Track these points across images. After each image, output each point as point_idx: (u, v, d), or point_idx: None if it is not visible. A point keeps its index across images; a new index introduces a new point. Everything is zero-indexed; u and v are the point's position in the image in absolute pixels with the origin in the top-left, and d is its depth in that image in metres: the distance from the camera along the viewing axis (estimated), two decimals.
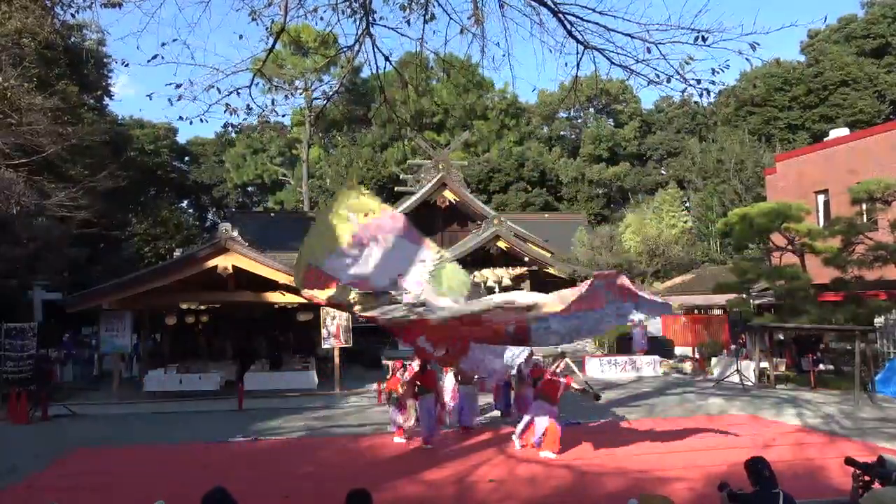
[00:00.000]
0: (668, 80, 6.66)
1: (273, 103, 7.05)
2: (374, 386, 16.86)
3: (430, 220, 30.04)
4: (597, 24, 6.63)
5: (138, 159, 37.57)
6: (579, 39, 6.76)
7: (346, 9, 6.72)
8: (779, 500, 4.66)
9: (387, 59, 7.14)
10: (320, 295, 9.10)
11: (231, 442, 11.65)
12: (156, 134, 43.53)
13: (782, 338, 19.81)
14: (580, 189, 48.92)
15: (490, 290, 20.60)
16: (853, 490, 5.04)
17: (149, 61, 6.08)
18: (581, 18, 6.64)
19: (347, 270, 8.66)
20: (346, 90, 47.07)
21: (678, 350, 24.64)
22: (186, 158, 53.32)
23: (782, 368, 19.03)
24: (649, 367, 21.29)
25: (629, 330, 22.74)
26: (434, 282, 8.94)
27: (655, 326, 26.51)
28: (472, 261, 28.12)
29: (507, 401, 13.26)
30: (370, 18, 6.71)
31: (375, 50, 6.97)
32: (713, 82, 6.46)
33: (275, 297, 17.71)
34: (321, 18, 6.90)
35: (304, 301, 17.70)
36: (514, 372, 12.00)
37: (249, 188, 55.12)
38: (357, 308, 9.22)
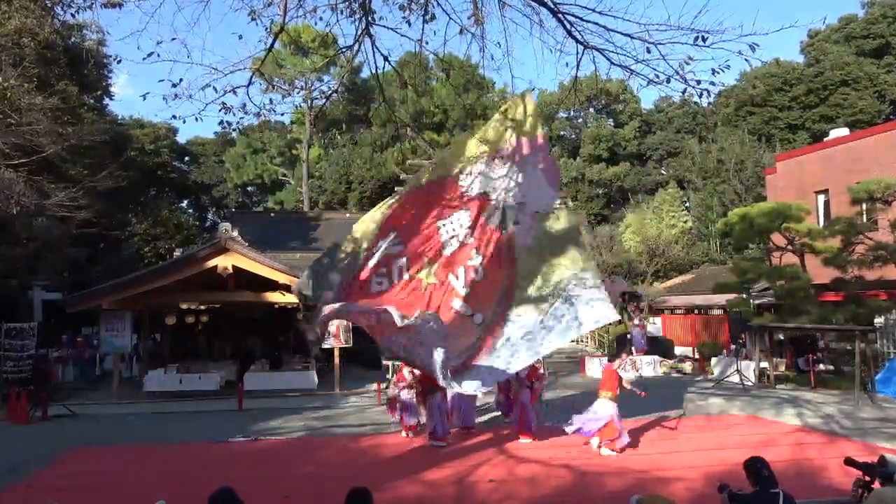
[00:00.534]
0: (668, 81, 6.67)
1: (271, 102, 7.07)
2: (374, 386, 16.87)
3: None
4: (596, 24, 6.64)
5: (138, 159, 37.52)
6: (579, 39, 6.77)
7: (345, 9, 6.73)
8: (778, 499, 4.66)
9: (386, 59, 7.15)
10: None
11: (231, 442, 11.65)
12: (156, 134, 43.47)
13: (782, 338, 19.82)
14: (580, 189, 48.89)
15: None
16: (853, 492, 5.03)
17: (144, 59, 6.08)
18: (581, 19, 6.65)
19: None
20: (346, 90, 47.02)
21: (678, 350, 24.65)
22: (186, 158, 53.27)
23: (782, 368, 19.03)
24: (649, 367, 21.27)
25: (629, 330, 22.76)
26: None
27: (655, 326, 26.53)
28: None
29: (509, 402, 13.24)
30: (370, 18, 6.71)
31: (375, 50, 6.98)
32: (713, 83, 6.48)
33: (275, 297, 17.70)
34: (320, 18, 6.92)
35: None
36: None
37: (249, 188, 55.06)
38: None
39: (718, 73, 6.44)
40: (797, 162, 24.79)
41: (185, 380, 17.51)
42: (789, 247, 19.41)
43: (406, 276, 9.91)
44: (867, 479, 4.98)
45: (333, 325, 17.90)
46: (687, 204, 42.85)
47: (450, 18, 7.12)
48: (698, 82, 6.51)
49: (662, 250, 32.42)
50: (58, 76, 22.34)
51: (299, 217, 34.93)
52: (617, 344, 12.29)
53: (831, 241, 18.42)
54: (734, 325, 20.75)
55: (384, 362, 19.07)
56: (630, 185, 50.22)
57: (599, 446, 10.00)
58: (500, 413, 13.44)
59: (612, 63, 6.82)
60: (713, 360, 21.08)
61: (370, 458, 10.25)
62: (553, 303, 9.79)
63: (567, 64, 7.11)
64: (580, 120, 57.72)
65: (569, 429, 10.26)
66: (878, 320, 18.16)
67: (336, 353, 18.12)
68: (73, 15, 8.46)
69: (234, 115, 6.55)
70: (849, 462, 5.27)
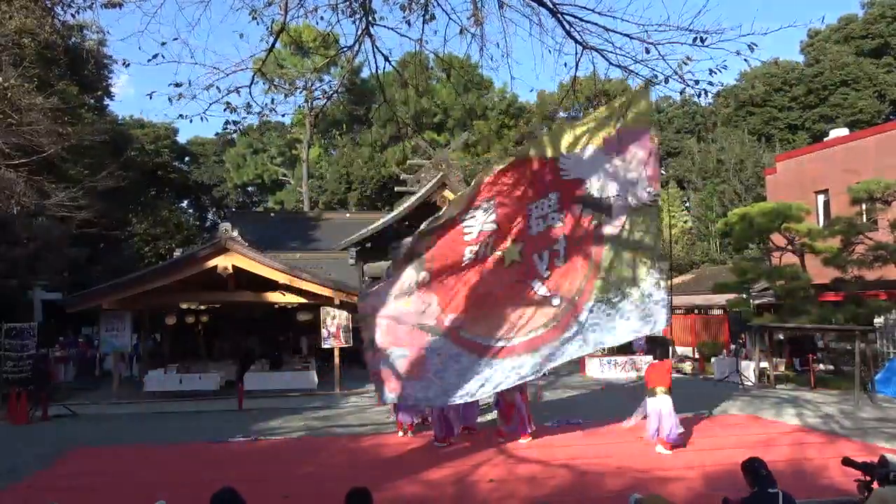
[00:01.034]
0: (667, 81, 6.68)
1: (273, 102, 7.05)
2: (374, 386, 16.85)
3: None
4: (596, 24, 6.63)
5: (138, 159, 37.48)
6: (578, 40, 6.77)
7: (345, 9, 6.72)
8: (778, 499, 4.66)
9: (387, 59, 7.14)
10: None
11: (231, 442, 11.65)
12: (156, 134, 43.44)
13: (782, 338, 19.82)
14: None
15: None
16: (860, 494, 5.02)
17: (149, 60, 6.07)
18: (580, 19, 6.65)
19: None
20: (346, 90, 47.00)
21: (678, 350, 24.65)
22: (186, 158, 53.25)
23: (782, 368, 19.03)
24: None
25: None
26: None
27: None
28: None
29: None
30: (370, 18, 6.71)
31: (375, 50, 6.97)
32: (711, 83, 6.48)
33: (275, 297, 17.71)
34: (321, 18, 6.91)
35: (304, 301, 17.75)
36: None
37: (249, 188, 55.06)
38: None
39: (716, 73, 6.45)
40: (797, 162, 24.80)
41: (185, 380, 17.51)
42: (789, 247, 19.41)
43: (493, 253, 10.13)
44: (867, 478, 4.98)
45: (334, 326, 17.94)
46: (687, 204, 42.84)
47: (450, 18, 7.12)
48: (696, 82, 6.52)
49: (662, 250, 32.35)
50: (58, 76, 22.34)
51: (299, 217, 34.93)
52: (661, 344, 12.46)
53: (831, 241, 18.42)
54: (734, 325, 20.75)
55: None
56: None
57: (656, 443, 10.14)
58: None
59: (610, 63, 6.83)
60: (713, 360, 21.08)
61: (370, 458, 10.25)
62: (619, 301, 10.00)
63: (566, 64, 7.13)
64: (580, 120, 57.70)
65: (651, 436, 10.30)
66: (878, 320, 18.16)
67: (336, 353, 18.12)
68: (73, 15, 8.46)
69: (237, 115, 6.55)
70: (847, 462, 5.26)
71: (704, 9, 6.33)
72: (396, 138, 43.32)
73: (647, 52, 6.50)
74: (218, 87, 6.22)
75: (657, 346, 12.11)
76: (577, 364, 22.34)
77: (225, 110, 6.41)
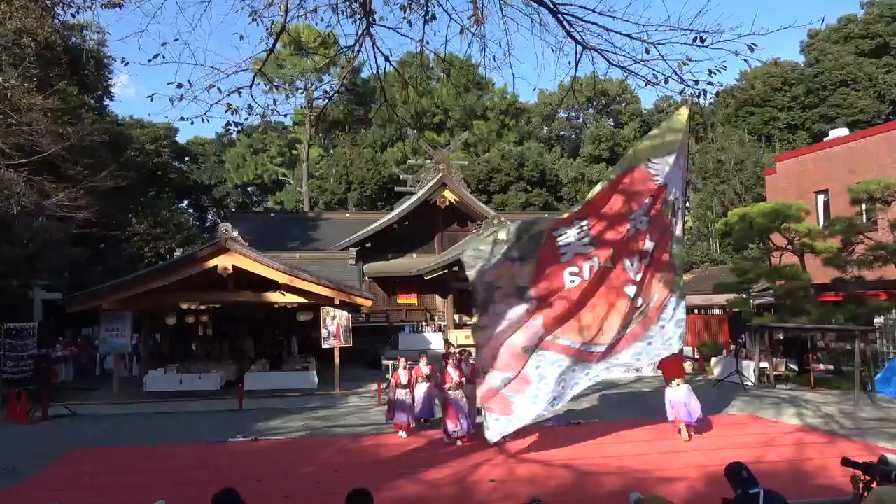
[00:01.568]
0: (666, 81, 6.67)
1: (274, 103, 7.05)
2: (374, 386, 16.87)
3: (429, 220, 30.06)
4: (596, 24, 6.64)
5: (138, 159, 37.45)
6: (578, 40, 6.76)
7: (346, 9, 6.72)
8: (758, 499, 4.64)
9: (387, 59, 7.13)
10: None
11: (231, 442, 11.65)
12: (156, 134, 43.41)
13: (781, 338, 19.82)
14: (580, 189, 48.83)
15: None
16: (855, 492, 5.02)
17: (150, 60, 6.06)
18: (580, 19, 6.64)
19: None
20: (347, 90, 47.00)
21: None
22: (186, 158, 53.25)
23: (782, 368, 19.02)
24: (649, 367, 21.21)
25: None
26: None
27: None
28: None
29: None
30: (370, 19, 6.70)
31: (375, 50, 6.96)
32: (710, 83, 6.47)
33: (275, 297, 17.71)
34: (321, 19, 6.89)
35: (304, 301, 17.75)
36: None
37: (249, 188, 55.06)
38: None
39: (715, 73, 6.44)
40: (797, 162, 24.80)
41: (185, 380, 17.51)
42: (789, 247, 19.41)
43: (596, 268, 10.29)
44: (866, 478, 4.98)
45: (334, 326, 17.94)
46: (687, 204, 42.82)
47: (450, 18, 7.12)
48: (696, 83, 6.51)
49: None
50: (58, 76, 22.30)
51: (299, 217, 34.95)
52: None
53: (831, 241, 18.42)
54: (734, 325, 20.74)
55: (384, 362, 19.07)
56: None
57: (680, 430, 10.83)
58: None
59: (610, 63, 6.82)
60: (713, 360, 21.08)
61: (370, 458, 10.25)
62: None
63: (568, 63, 7.10)
64: (580, 120, 57.73)
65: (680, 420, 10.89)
66: (878, 320, 18.15)
67: (336, 353, 18.12)
68: (73, 15, 8.46)
69: (238, 115, 6.54)
70: (847, 462, 5.26)
71: (705, 9, 6.32)
72: (397, 138, 43.33)
73: (647, 52, 6.49)
74: (219, 88, 6.22)
75: None
76: None
77: (226, 111, 6.40)
